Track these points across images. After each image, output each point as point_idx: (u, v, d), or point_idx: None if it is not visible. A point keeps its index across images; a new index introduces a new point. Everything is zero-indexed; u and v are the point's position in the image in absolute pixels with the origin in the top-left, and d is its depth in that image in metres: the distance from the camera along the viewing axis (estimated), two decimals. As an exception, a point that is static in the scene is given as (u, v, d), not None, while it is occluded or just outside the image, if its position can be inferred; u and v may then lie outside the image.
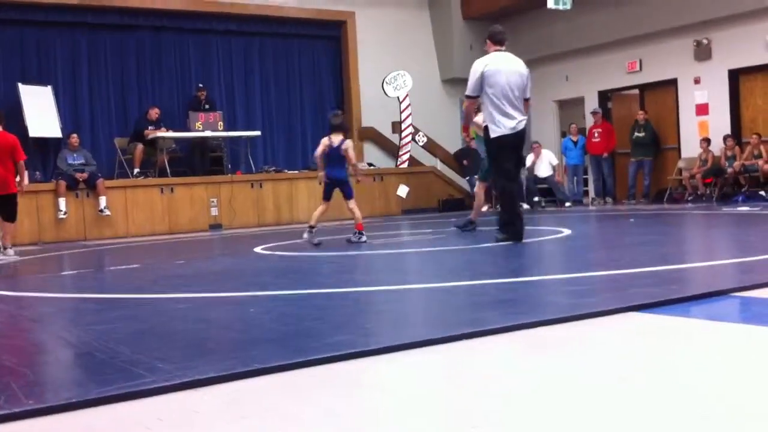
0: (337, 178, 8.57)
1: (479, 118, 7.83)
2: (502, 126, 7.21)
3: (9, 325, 4.31)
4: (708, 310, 3.52)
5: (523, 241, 7.23)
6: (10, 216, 9.50)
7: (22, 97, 13.29)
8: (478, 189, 9.29)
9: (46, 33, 14.22)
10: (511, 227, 7.29)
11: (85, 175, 12.69)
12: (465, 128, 7.70)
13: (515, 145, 7.37)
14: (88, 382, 2.65)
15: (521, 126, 7.31)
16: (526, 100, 7.45)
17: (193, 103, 14.66)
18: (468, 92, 7.43)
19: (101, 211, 12.65)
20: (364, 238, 8.39)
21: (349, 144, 8.42)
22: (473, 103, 7.55)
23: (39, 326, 4.11)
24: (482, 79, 7.21)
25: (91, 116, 14.57)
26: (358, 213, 8.52)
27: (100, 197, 12.66)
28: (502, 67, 7.24)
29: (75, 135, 13.15)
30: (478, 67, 7.27)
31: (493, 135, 7.27)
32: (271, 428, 2.13)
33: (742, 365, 2.56)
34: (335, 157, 8.45)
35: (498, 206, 7.75)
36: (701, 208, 11.97)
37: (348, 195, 8.61)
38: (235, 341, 3.41)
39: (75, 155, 12.95)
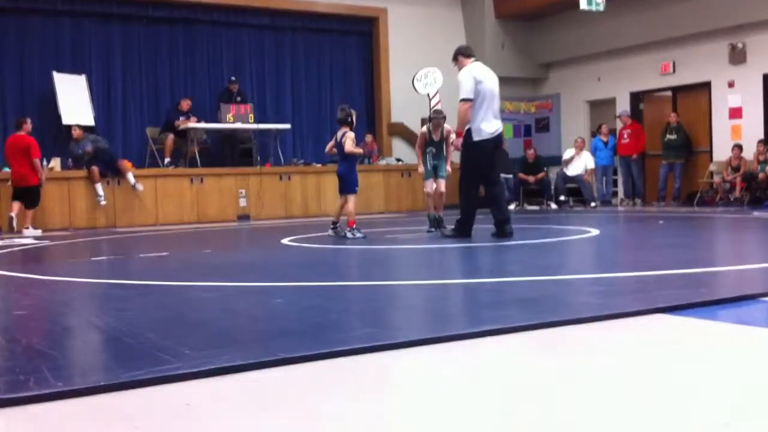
0: (338, 172, 8.95)
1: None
2: (484, 131, 7.68)
3: (39, 309, 4.38)
4: (736, 314, 3.49)
5: (509, 239, 7.52)
6: (31, 204, 11.53)
7: (56, 85, 13.45)
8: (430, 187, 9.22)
9: (81, 23, 14.36)
10: (464, 227, 7.83)
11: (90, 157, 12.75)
12: (459, 133, 7.83)
13: (493, 149, 7.87)
14: (116, 367, 2.69)
15: (500, 131, 7.87)
16: None
17: (224, 95, 14.75)
18: (466, 95, 7.71)
19: (133, 187, 12.73)
20: (350, 235, 8.50)
21: (347, 135, 8.60)
22: (469, 107, 7.70)
23: (69, 310, 4.17)
24: (475, 84, 7.66)
25: (123, 105, 14.71)
26: (349, 208, 8.65)
27: (127, 174, 12.77)
28: (484, 77, 7.77)
29: (75, 126, 12.92)
30: (469, 74, 7.72)
31: (476, 138, 7.70)
32: (295, 418, 2.15)
33: (770, 370, 2.54)
34: (340, 150, 8.57)
35: (460, 205, 8.04)
36: (731, 211, 11.84)
37: (341, 190, 8.84)
38: (261, 331, 3.43)
39: (81, 144, 12.97)
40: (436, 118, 9.04)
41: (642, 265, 5.28)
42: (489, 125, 7.71)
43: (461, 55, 8.02)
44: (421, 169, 9.24)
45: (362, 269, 5.93)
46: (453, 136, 8.58)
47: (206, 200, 13.50)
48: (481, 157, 7.76)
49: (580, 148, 15.44)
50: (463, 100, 7.70)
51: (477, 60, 8.04)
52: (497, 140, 7.89)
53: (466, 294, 4.42)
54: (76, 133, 12.90)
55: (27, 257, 8.02)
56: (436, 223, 8.89)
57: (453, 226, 8.02)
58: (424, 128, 9.12)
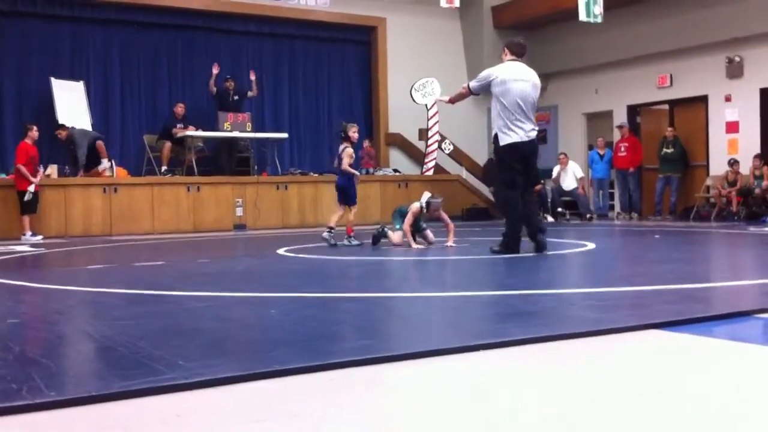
0: (337, 184, 9.20)
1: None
2: (512, 134, 7.24)
3: (33, 317, 4.37)
4: (731, 331, 3.49)
5: (546, 252, 7.22)
6: (21, 209, 11.65)
7: (54, 91, 13.46)
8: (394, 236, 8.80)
9: (80, 29, 14.40)
10: (512, 240, 7.33)
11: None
12: (451, 100, 7.85)
13: (525, 153, 7.32)
14: (109, 376, 2.67)
15: (533, 135, 7.34)
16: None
17: (221, 93, 14.75)
18: (471, 87, 7.56)
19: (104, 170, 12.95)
20: (347, 242, 8.89)
21: (345, 151, 8.94)
22: (467, 93, 7.65)
23: (63, 319, 4.15)
24: (489, 86, 7.34)
25: (121, 112, 14.74)
26: (349, 217, 9.06)
27: (102, 160, 12.98)
28: (515, 76, 7.29)
29: (59, 129, 12.94)
30: (489, 73, 7.39)
31: (502, 143, 7.29)
32: (290, 430, 2.13)
33: (764, 387, 2.53)
34: (339, 164, 9.01)
35: (504, 218, 7.71)
36: (728, 226, 11.86)
37: (341, 201, 9.15)
38: (255, 341, 3.42)
39: (73, 142, 13.04)
40: (435, 204, 8.49)
41: (637, 280, 5.28)
42: (519, 128, 7.21)
43: (507, 48, 7.52)
44: (397, 236, 8.63)
45: (358, 280, 5.92)
46: (447, 219, 8.58)
47: (203, 209, 13.50)
48: (512, 161, 7.27)
49: (564, 164, 15.45)
50: (467, 86, 7.59)
51: (521, 61, 7.49)
52: (532, 144, 7.34)
53: (462, 307, 4.41)
54: (61, 135, 12.85)
55: (22, 265, 8.00)
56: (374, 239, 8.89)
57: (500, 242, 7.44)
58: (417, 205, 8.54)
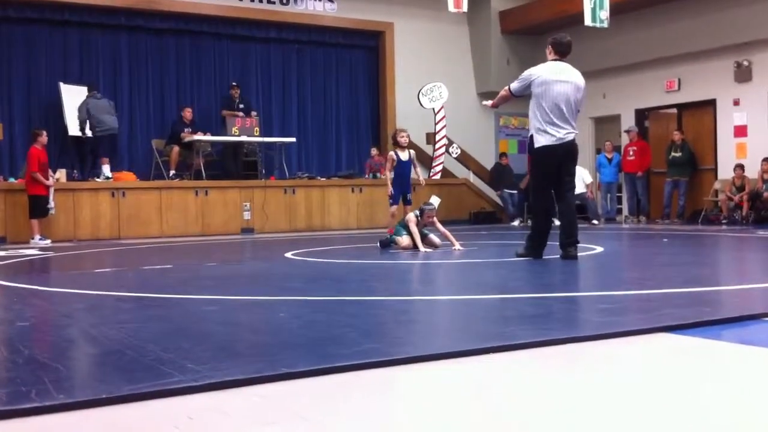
0: None
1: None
2: (547, 136, 7.01)
3: (42, 321, 4.38)
4: (740, 334, 3.48)
5: (543, 257, 7.16)
6: (30, 213, 11.74)
7: (63, 96, 13.50)
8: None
9: (89, 34, 14.44)
10: (535, 244, 7.20)
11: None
12: (494, 104, 7.79)
13: (560, 157, 7.08)
14: (118, 379, 2.68)
15: (569, 138, 7.06)
16: (577, 111, 7.26)
17: (226, 100, 14.78)
18: (512, 89, 7.35)
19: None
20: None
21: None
22: (509, 96, 7.46)
23: (71, 322, 4.16)
24: (530, 86, 7.12)
25: (129, 117, 14.76)
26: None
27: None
28: (556, 77, 7.06)
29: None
30: (531, 73, 7.17)
31: (537, 145, 7.09)
32: (297, 432, 2.14)
33: (774, 391, 2.52)
34: None
35: (528, 221, 7.67)
36: (736, 230, 11.82)
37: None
38: (263, 345, 3.43)
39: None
40: (428, 210, 8.72)
41: (646, 284, 5.27)
42: (554, 130, 6.99)
43: (551, 46, 7.29)
44: (405, 240, 8.79)
45: (365, 284, 5.92)
46: (441, 228, 8.77)
47: (211, 213, 13.52)
48: (545, 165, 7.11)
49: None
50: (509, 88, 7.42)
51: (564, 60, 7.27)
52: (566, 147, 7.07)
53: (470, 310, 4.41)
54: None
55: (31, 268, 8.03)
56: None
57: (524, 245, 7.33)
58: (412, 216, 8.73)
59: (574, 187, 7.54)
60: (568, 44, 7.28)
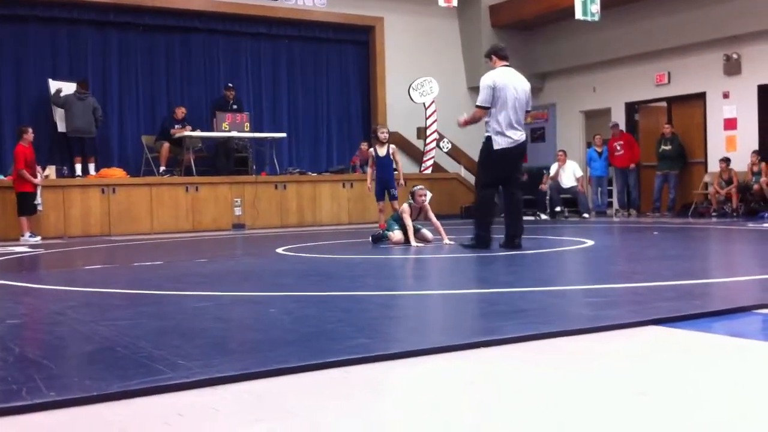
0: None
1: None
2: (507, 139, 7.44)
3: (33, 318, 4.37)
4: (730, 327, 3.50)
5: (522, 250, 7.44)
6: (19, 210, 11.70)
7: (52, 92, 13.44)
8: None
9: (78, 31, 14.37)
10: (482, 236, 7.61)
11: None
12: (465, 123, 7.88)
13: (515, 157, 7.59)
14: (110, 377, 2.68)
15: (522, 139, 7.57)
16: (528, 112, 7.75)
17: (220, 102, 14.76)
18: (480, 103, 7.61)
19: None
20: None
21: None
22: (484, 113, 7.64)
23: (62, 319, 4.15)
24: (493, 92, 7.45)
25: (119, 113, 14.71)
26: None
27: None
28: (509, 82, 7.49)
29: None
30: (488, 80, 7.52)
31: (497, 147, 7.47)
32: (289, 429, 2.14)
33: (763, 383, 2.54)
34: None
35: (475, 214, 7.93)
36: (726, 223, 11.87)
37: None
38: (255, 341, 3.43)
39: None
40: (419, 190, 8.84)
41: (636, 277, 5.29)
42: (512, 133, 7.44)
43: (495, 55, 7.74)
44: (397, 235, 8.79)
45: (357, 279, 5.93)
46: (434, 218, 8.87)
47: (201, 209, 13.50)
48: (502, 165, 7.54)
49: (562, 161, 15.48)
50: (478, 106, 7.65)
51: (509, 65, 7.73)
52: (520, 149, 7.60)
53: (461, 305, 4.42)
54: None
55: (21, 265, 8.00)
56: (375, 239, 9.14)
57: (471, 236, 7.81)
58: (405, 206, 8.80)
59: (520, 184, 8.04)
60: (506, 49, 7.88)
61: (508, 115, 7.42)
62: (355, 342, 3.13)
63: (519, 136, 7.50)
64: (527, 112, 7.69)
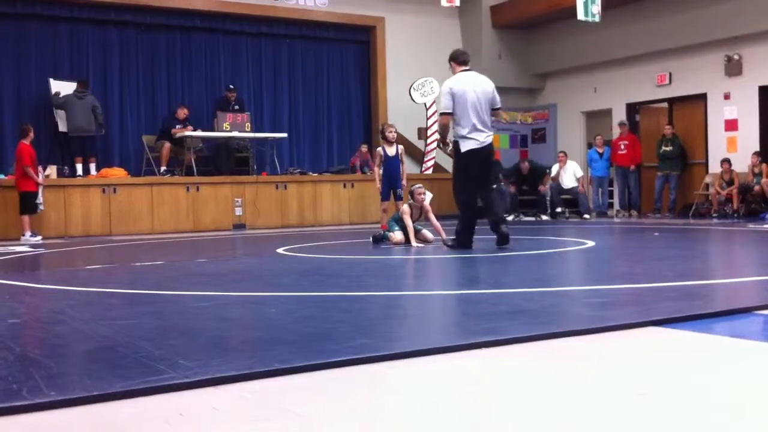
0: None
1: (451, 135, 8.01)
2: (472, 141, 7.66)
3: (34, 317, 4.37)
4: (731, 328, 3.49)
5: (508, 245, 7.58)
6: (22, 209, 11.68)
7: (53, 92, 13.44)
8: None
9: (79, 30, 14.36)
10: (464, 237, 7.79)
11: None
12: (444, 141, 7.95)
13: (484, 157, 7.77)
14: (110, 376, 2.68)
15: (489, 140, 7.76)
16: (498, 109, 7.94)
17: (221, 102, 14.75)
18: (442, 110, 7.83)
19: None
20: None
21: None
22: (449, 119, 7.79)
23: (63, 319, 4.15)
24: (453, 98, 7.64)
25: (120, 113, 14.70)
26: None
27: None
28: (468, 86, 7.69)
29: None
30: (446, 87, 7.74)
31: (464, 149, 7.69)
32: (290, 429, 2.14)
33: (764, 384, 2.54)
34: None
35: (460, 216, 8.01)
36: (727, 224, 11.86)
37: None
38: (256, 341, 3.43)
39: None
40: (418, 188, 8.88)
41: (637, 278, 5.28)
42: (476, 135, 7.66)
43: (453, 61, 7.99)
44: (398, 235, 8.83)
45: (357, 279, 5.92)
46: (433, 219, 8.86)
47: (202, 209, 13.50)
48: (471, 167, 7.76)
49: (563, 162, 15.48)
50: (442, 114, 7.86)
51: (470, 69, 7.94)
52: (488, 149, 7.80)
53: (462, 305, 4.41)
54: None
55: (22, 265, 8.00)
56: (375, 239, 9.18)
57: (453, 237, 7.95)
58: (405, 206, 8.82)
59: (494, 183, 8.25)
60: (466, 54, 8.12)
61: (471, 119, 7.63)
62: (355, 342, 3.13)
63: (485, 138, 7.70)
64: (496, 110, 7.87)
